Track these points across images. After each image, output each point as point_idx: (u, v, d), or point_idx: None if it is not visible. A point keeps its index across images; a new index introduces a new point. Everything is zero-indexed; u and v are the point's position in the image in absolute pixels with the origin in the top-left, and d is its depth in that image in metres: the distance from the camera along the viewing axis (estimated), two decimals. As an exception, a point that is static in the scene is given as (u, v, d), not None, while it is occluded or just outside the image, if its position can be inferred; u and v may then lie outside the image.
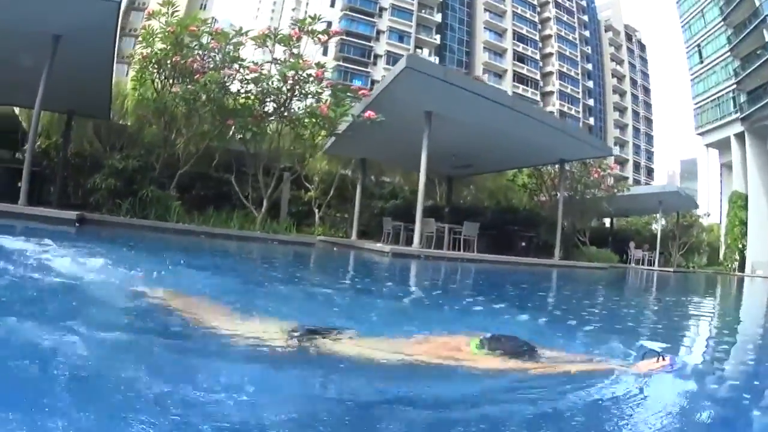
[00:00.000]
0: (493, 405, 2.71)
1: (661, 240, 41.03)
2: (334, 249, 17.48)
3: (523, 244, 27.03)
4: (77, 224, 11.74)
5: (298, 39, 16.39)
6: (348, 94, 16.98)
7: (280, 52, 16.59)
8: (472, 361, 3.05)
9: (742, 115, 49.76)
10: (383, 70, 76.16)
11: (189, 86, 15.39)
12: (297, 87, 16.21)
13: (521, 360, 3.07)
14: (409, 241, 20.19)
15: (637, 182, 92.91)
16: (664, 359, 3.18)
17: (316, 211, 24.39)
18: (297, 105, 16.98)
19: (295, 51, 16.38)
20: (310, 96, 16.68)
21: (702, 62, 57.56)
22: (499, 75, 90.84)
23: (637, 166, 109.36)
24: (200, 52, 15.83)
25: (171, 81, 16.06)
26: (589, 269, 22.56)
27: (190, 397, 2.29)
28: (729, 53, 52.12)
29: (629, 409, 2.76)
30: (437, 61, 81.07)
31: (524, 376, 2.99)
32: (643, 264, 33.83)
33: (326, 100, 16.77)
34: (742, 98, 50.29)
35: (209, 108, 15.87)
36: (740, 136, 50.88)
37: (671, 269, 32.98)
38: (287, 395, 2.54)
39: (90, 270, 4.92)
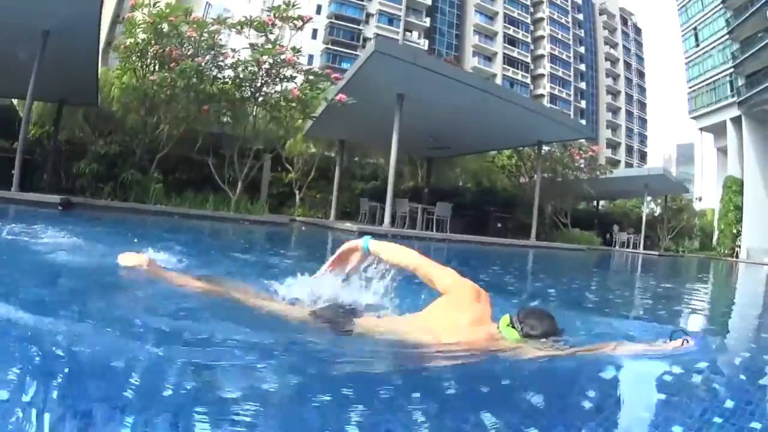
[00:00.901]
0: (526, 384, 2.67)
1: (649, 224, 41.88)
2: (303, 228, 18.08)
3: (499, 225, 27.50)
4: (61, 208, 12.28)
5: (273, 25, 17.09)
6: (321, 77, 17.65)
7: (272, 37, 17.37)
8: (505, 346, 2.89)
9: (739, 99, 49.96)
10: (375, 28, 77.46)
11: (166, 74, 16.06)
12: (273, 72, 16.99)
13: (555, 342, 2.93)
14: (398, 222, 21.15)
15: (629, 165, 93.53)
16: (689, 341, 3.20)
17: (297, 192, 25.10)
18: (275, 89, 17.67)
19: (271, 37, 17.07)
20: (285, 80, 17.39)
21: (698, 46, 57.84)
22: (489, 58, 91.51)
23: (629, 150, 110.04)
24: (178, 40, 16.50)
25: (151, 69, 16.74)
26: (566, 250, 23.17)
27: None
28: (727, 36, 52.27)
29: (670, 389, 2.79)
30: (427, 45, 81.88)
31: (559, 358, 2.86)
32: (627, 247, 34.49)
33: (301, 84, 17.43)
34: (740, 82, 50.46)
35: (186, 95, 16.58)
36: (737, 121, 51.18)
37: (656, 253, 33.37)
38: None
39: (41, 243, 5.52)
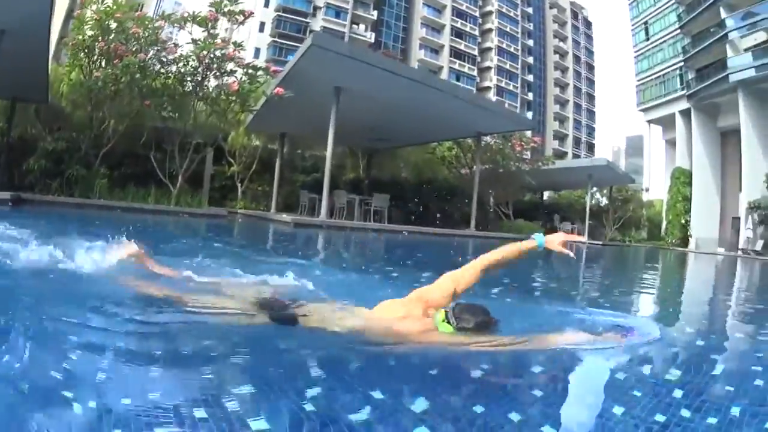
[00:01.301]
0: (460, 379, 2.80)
1: (595, 214, 42.79)
2: (239, 220, 18.48)
3: (438, 215, 27.72)
4: (11, 204, 12.43)
5: (216, 20, 17.39)
6: (260, 71, 18.01)
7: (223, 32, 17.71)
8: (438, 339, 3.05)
9: (689, 92, 51.04)
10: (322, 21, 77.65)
11: (109, 70, 16.25)
12: (214, 66, 17.31)
13: (489, 335, 3.08)
14: (336, 214, 21.62)
15: (576, 157, 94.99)
16: (628, 332, 3.40)
17: (239, 185, 25.34)
18: (216, 83, 17.99)
19: (213, 32, 17.40)
20: (226, 74, 17.72)
21: (648, 39, 59.15)
22: (436, 50, 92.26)
23: (577, 142, 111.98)
24: (122, 37, 16.68)
25: (98, 65, 16.90)
26: (504, 240, 23.44)
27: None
28: (678, 31, 53.50)
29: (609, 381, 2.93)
30: (373, 37, 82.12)
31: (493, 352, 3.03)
32: None
33: (240, 78, 17.76)
34: (690, 75, 51.52)
35: (130, 90, 16.80)
36: (685, 113, 52.34)
37: (599, 242, 33.76)
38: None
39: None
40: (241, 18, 17.76)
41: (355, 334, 3.07)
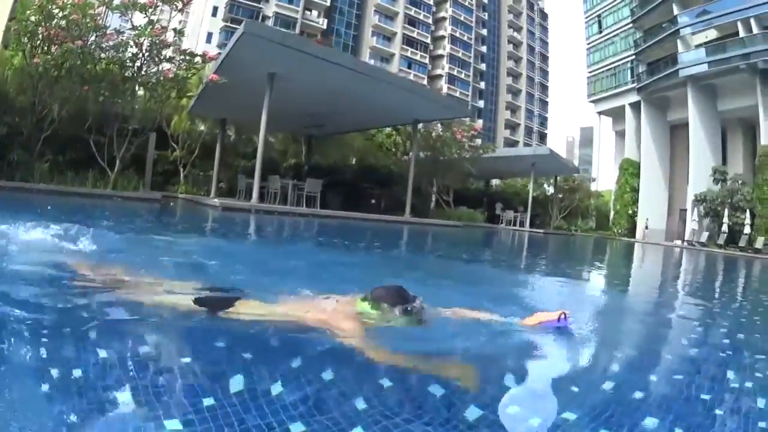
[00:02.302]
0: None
1: (541, 203, 43.90)
2: (170, 204, 18.84)
3: (373, 201, 28.63)
4: None
5: (156, 7, 17.89)
6: (196, 58, 18.60)
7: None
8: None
9: (639, 85, 52.66)
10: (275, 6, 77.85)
11: (49, 56, 16.69)
12: (154, 52, 17.87)
13: (405, 311, 3.20)
14: (270, 198, 22.40)
15: (528, 146, 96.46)
16: (558, 316, 3.48)
17: (182, 170, 25.85)
18: (154, 69, 18.47)
19: (154, 18, 17.92)
20: (165, 60, 18.27)
21: (601, 32, 60.83)
22: (389, 38, 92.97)
23: (529, 131, 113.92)
24: (63, 23, 17.06)
25: (40, 51, 17.23)
26: (439, 227, 24.51)
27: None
28: (631, 25, 54.99)
29: (514, 362, 3.13)
30: (325, 23, 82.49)
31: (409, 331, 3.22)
32: (514, 225, 36.07)
33: (178, 64, 18.32)
34: (641, 68, 53.13)
35: (70, 76, 17.12)
36: (635, 106, 53.91)
37: (541, 231, 34.92)
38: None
39: None
40: (179, 5, 18.29)
41: (273, 320, 3.22)
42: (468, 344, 3.30)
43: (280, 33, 18.98)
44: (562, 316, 3.48)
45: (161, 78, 17.95)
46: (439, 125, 31.10)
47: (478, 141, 34.63)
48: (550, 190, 46.83)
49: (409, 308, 3.22)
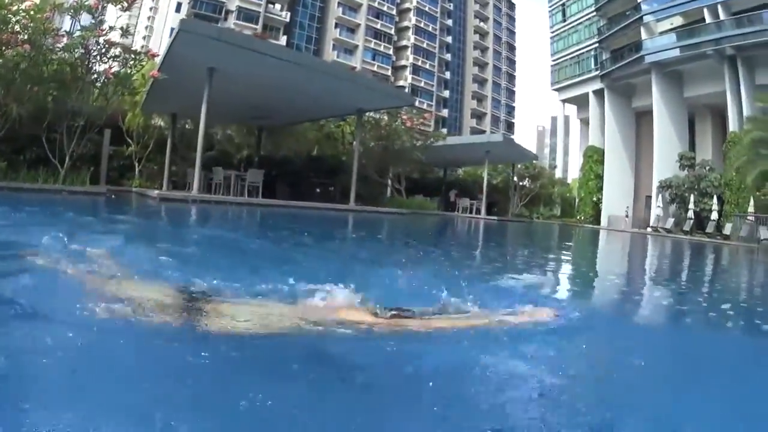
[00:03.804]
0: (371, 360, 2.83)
1: (501, 190, 45.01)
2: (112, 196, 19.19)
3: (318, 190, 29.40)
4: None
5: (103, 8, 18.92)
6: (140, 55, 19.63)
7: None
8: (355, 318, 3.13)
9: (602, 73, 53.30)
10: (233, 25, 77.74)
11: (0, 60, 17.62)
12: (103, 51, 18.89)
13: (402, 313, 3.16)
14: (209, 189, 23.45)
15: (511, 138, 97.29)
16: (549, 311, 3.45)
17: (137, 164, 26.80)
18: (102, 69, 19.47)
19: (101, 18, 18.88)
20: (113, 59, 19.28)
21: (565, 21, 61.69)
22: (352, 29, 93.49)
23: (496, 120, 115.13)
24: (17, 27, 17.76)
25: None
26: (382, 214, 25.47)
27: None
28: (594, 13, 55.74)
29: (521, 361, 2.95)
30: (288, 16, 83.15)
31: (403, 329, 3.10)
32: (470, 213, 36.75)
33: (122, 61, 19.33)
34: (605, 56, 53.83)
35: (21, 78, 17.88)
36: (599, 93, 54.42)
37: (496, 218, 35.44)
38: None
39: None
40: (125, 4, 19.27)
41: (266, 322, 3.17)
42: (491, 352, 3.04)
43: (216, 29, 20.10)
44: (554, 312, 3.51)
45: (104, 77, 18.93)
46: (385, 114, 32.03)
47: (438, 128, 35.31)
48: (515, 177, 47.19)
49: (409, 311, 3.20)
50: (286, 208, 22.33)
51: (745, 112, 37.18)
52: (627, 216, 46.77)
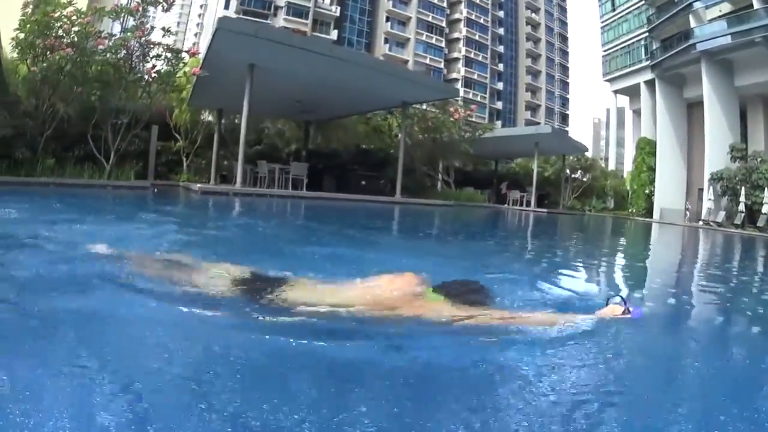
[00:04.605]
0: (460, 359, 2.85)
1: (553, 182, 44.58)
2: (155, 190, 19.79)
3: (364, 183, 29.21)
4: None
5: (144, 10, 19.51)
6: (181, 54, 20.10)
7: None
8: (431, 311, 3.12)
9: (653, 63, 52.00)
10: (283, 21, 78.63)
11: (44, 64, 18.09)
12: (145, 51, 19.44)
13: (482, 309, 3.14)
14: (259, 183, 23.76)
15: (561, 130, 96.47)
16: (628, 308, 3.34)
17: (184, 159, 27.31)
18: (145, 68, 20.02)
19: (143, 20, 19.56)
20: (154, 59, 19.81)
21: (614, 10, 60.30)
22: (403, 23, 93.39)
23: (550, 112, 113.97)
24: (60, 32, 18.33)
25: (40, 60, 18.56)
26: (428, 206, 25.35)
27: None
28: (643, 2, 54.34)
29: (600, 358, 2.98)
30: (338, 10, 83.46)
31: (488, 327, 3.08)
32: (521, 205, 36.40)
33: (164, 60, 19.87)
34: (655, 45, 52.44)
35: (65, 80, 18.53)
36: (650, 83, 53.08)
37: (545, 210, 34.95)
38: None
39: None
40: (165, 5, 19.75)
41: (342, 307, 3.15)
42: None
43: (254, 26, 20.17)
44: (628, 309, 3.40)
45: (146, 76, 19.46)
46: (432, 107, 32.02)
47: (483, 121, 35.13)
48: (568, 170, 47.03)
49: (484, 298, 3.24)
50: (328, 200, 22.57)
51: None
52: (687, 210, 45.35)
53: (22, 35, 18.26)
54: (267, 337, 2.84)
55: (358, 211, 19.51)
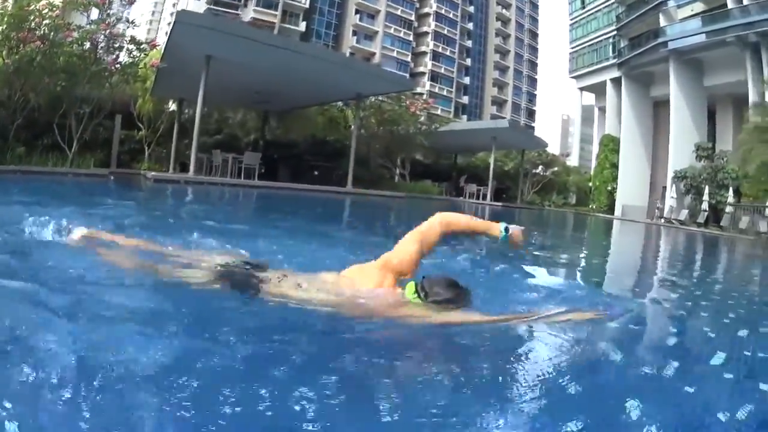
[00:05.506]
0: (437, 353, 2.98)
1: (512, 177, 45.50)
2: (111, 177, 20.41)
3: (316, 173, 30.25)
4: None
5: (109, 2, 20.53)
6: (142, 46, 21.15)
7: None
8: (409, 311, 3.14)
9: (620, 61, 52.77)
10: (253, 12, 79.28)
11: (16, 56, 18.94)
12: (110, 43, 20.46)
13: (461, 306, 3.18)
14: (214, 171, 24.81)
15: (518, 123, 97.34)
16: (604, 308, 3.44)
17: (146, 148, 28.18)
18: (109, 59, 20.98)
19: (109, 12, 20.61)
20: (118, 50, 20.90)
21: (584, 8, 61.58)
22: (372, 15, 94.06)
23: (517, 108, 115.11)
24: (32, 25, 19.09)
25: (13, 52, 19.22)
26: (378, 197, 26.26)
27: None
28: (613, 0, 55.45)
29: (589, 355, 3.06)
30: (308, 2, 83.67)
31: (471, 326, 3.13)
32: (477, 198, 37.13)
33: (127, 52, 20.89)
34: (623, 44, 53.33)
35: (36, 70, 19.33)
36: (616, 81, 53.97)
37: (501, 204, 35.41)
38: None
39: None
40: (128, -1, 20.81)
41: (323, 307, 3.17)
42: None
43: (212, 19, 21.44)
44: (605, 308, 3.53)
45: (107, 67, 20.47)
46: (386, 99, 32.95)
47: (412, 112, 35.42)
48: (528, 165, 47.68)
49: (460, 300, 3.22)
50: (276, 189, 23.35)
51: (768, 101, 35.73)
52: (658, 208, 44.33)
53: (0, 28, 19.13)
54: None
55: (299, 201, 20.16)
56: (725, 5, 40.85)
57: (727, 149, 40.38)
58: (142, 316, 2.88)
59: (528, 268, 6.82)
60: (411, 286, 3.21)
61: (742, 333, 4.22)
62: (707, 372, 2.99)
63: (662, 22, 47.18)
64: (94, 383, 2.03)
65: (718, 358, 3.14)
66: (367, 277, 3.33)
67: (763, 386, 2.68)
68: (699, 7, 44.51)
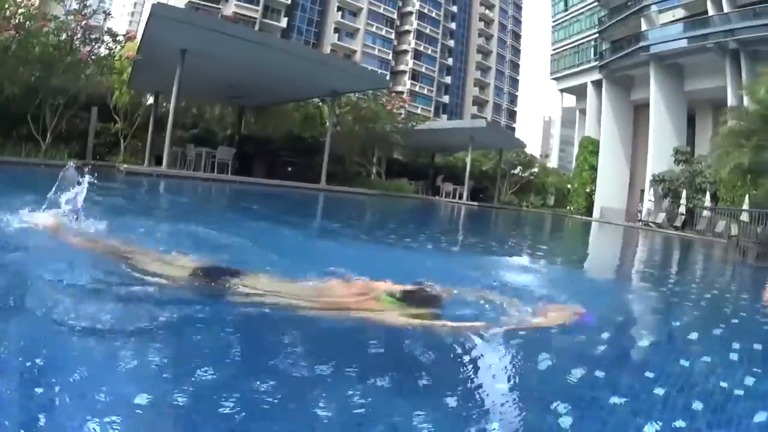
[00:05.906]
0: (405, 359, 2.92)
1: (490, 177, 45.50)
2: (86, 169, 20.92)
3: (290, 169, 30.24)
4: None
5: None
6: (118, 37, 21.31)
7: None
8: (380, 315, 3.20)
9: (601, 63, 53.19)
10: (234, 7, 79.10)
11: None
12: (85, 35, 20.59)
13: (432, 308, 3.26)
14: (188, 165, 24.95)
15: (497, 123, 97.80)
16: (576, 312, 3.49)
17: (122, 140, 28.24)
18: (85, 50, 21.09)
19: (85, 4, 20.81)
20: (95, 42, 21.01)
21: (567, 10, 62.20)
22: (354, 13, 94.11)
23: (498, 109, 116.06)
24: (3, 15, 19.21)
25: None
26: (349, 194, 26.51)
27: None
28: (596, 3, 55.62)
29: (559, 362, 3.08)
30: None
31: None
32: (453, 197, 37.24)
33: (106, 44, 21.05)
34: (605, 46, 53.88)
35: (10, 59, 19.43)
36: (597, 84, 54.52)
37: (476, 204, 35.44)
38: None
39: None
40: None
41: (294, 300, 3.26)
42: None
43: (186, 13, 21.48)
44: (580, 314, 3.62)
45: (81, 59, 20.52)
46: (364, 96, 33.24)
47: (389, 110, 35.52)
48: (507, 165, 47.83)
49: (436, 305, 3.33)
50: (248, 184, 23.51)
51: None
52: (640, 211, 44.39)
53: None
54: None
55: (269, 197, 20.40)
56: (706, 12, 41.46)
57: (705, 154, 40.07)
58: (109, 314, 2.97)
59: (495, 271, 6.86)
60: (385, 292, 3.35)
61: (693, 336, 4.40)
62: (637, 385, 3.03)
63: (644, 26, 47.74)
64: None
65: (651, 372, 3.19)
66: (343, 287, 3.47)
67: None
68: (680, 12, 45.31)
